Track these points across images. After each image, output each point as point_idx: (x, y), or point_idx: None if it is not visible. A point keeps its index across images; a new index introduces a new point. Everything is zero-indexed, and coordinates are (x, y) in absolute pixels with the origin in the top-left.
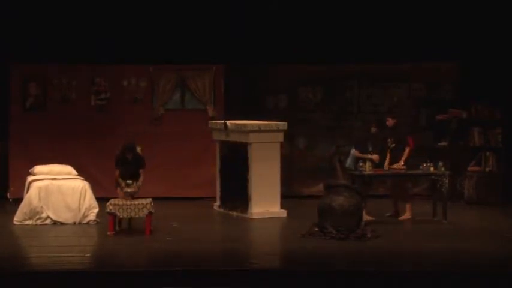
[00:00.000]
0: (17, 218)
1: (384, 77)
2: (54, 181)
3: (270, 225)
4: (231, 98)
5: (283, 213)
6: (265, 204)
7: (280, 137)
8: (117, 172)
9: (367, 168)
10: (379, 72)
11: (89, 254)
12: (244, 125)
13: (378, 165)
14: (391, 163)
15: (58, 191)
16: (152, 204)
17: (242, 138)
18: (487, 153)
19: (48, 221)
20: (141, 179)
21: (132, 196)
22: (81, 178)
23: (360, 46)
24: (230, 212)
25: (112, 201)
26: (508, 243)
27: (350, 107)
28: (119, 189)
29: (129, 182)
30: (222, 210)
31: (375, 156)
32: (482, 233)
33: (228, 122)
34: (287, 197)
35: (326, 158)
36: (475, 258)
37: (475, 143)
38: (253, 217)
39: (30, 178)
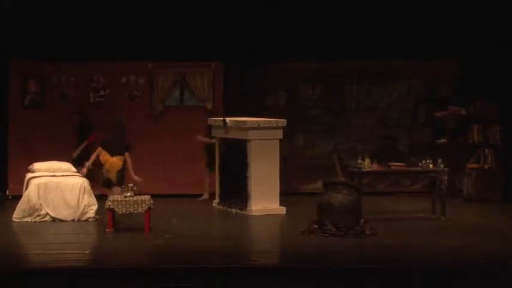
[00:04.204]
0: (16, 215)
1: (383, 74)
2: (53, 178)
3: (269, 222)
4: (230, 95)
5: (283, 210)
6: (265, 201)
7: (279, 134)
8: (99, 149)
9: (366, 165)
10: (378, 70)
11: (88, 251)
12: (244, 122)
13: None
14: None
15: (57, 187)
16: (151, 200)
17: (241, 135)
18: (486, 150)
19: (47, 218)
20: (129, 164)
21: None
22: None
23: (359, 43)
24: (229, 209)
25: (111, 197)
26: (507, 240)
27: (349, 104)
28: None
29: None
30: (221, 207)
31: None
32: (481, 230)
33: (227, 119)
34: (286, 194)
35: (325, 155)
36: (474, 255)
37: (474, 140)
38: (253, 214)
39: (29, 175)
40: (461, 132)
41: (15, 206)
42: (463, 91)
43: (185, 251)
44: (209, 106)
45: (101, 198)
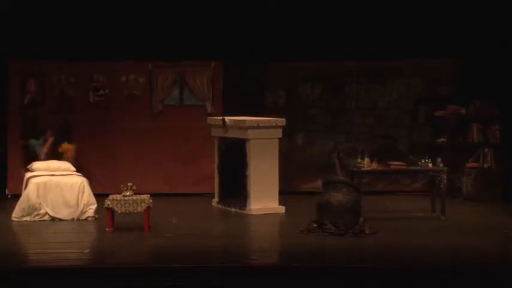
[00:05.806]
0: (15, 215)
1: (383, 74)
2: (52, 177)
3: (268, 222)
4: (229, 94)
5: (282, 209)
6: (264, 200)
7: (278, 133)
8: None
9: (366, 165)
10: (378, 69)
11: (87, 250)
12: (243, 121)
13: None
14: None
15: (56, 187)
16: (150, 199)
17: (241, 135)
18: (486, 150)
19: (46, 217)
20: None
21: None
22: (80, 174)
23: (359, 43)
24: (228, 208)
25: (110, 196)
26: (507, 240)
27: (349, 103)
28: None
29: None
30: (220, 206)
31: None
32: (481, 229)
33: (227, 118)
34: (286, 193)
35: (325, 154)
36: (473, 254)
37: (474, 140)
38: (252, 213)
39: (28, 174)
40: (461, 132)
41: (15, 205)
42: (462, 91)
43: (185, 251)
44: (209, 107)
45: (100, 197)
